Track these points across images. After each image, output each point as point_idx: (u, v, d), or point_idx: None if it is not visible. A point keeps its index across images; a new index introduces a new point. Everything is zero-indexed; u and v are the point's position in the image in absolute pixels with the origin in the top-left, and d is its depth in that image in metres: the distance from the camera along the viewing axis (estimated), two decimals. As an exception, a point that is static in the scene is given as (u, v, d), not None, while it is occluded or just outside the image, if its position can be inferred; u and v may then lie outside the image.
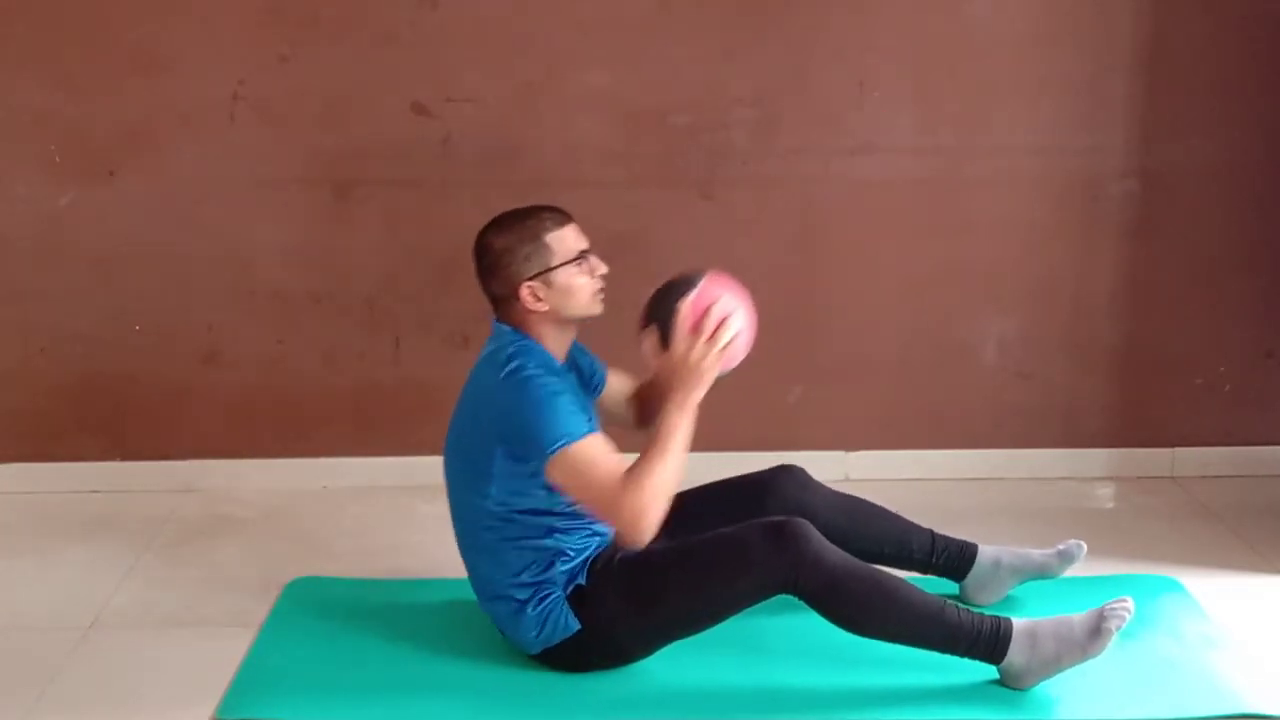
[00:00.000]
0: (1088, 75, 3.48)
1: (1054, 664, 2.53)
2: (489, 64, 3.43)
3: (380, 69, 3.42)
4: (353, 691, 2.62)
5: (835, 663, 2.65)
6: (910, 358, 3.65)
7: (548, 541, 2.60)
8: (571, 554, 2.62)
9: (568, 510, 2.59)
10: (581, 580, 2.63)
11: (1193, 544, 3.29)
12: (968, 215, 3.56)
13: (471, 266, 2.64)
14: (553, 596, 2.60)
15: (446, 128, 3.46)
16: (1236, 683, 2.61)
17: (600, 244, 3.53)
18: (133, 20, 3.38)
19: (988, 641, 2.52)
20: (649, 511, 2.46)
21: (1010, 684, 2.57)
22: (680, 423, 2.52)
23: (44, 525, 3.45)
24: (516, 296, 2.58)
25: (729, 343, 2.53)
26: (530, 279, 2.57)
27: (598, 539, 2.68)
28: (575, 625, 2.59)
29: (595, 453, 2.48)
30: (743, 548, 2.54)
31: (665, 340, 2.54)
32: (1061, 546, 2.88)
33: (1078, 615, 2.55)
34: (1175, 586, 3.02)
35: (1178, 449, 3.72)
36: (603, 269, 2.65)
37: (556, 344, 2.65)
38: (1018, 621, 2.55)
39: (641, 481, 2.46)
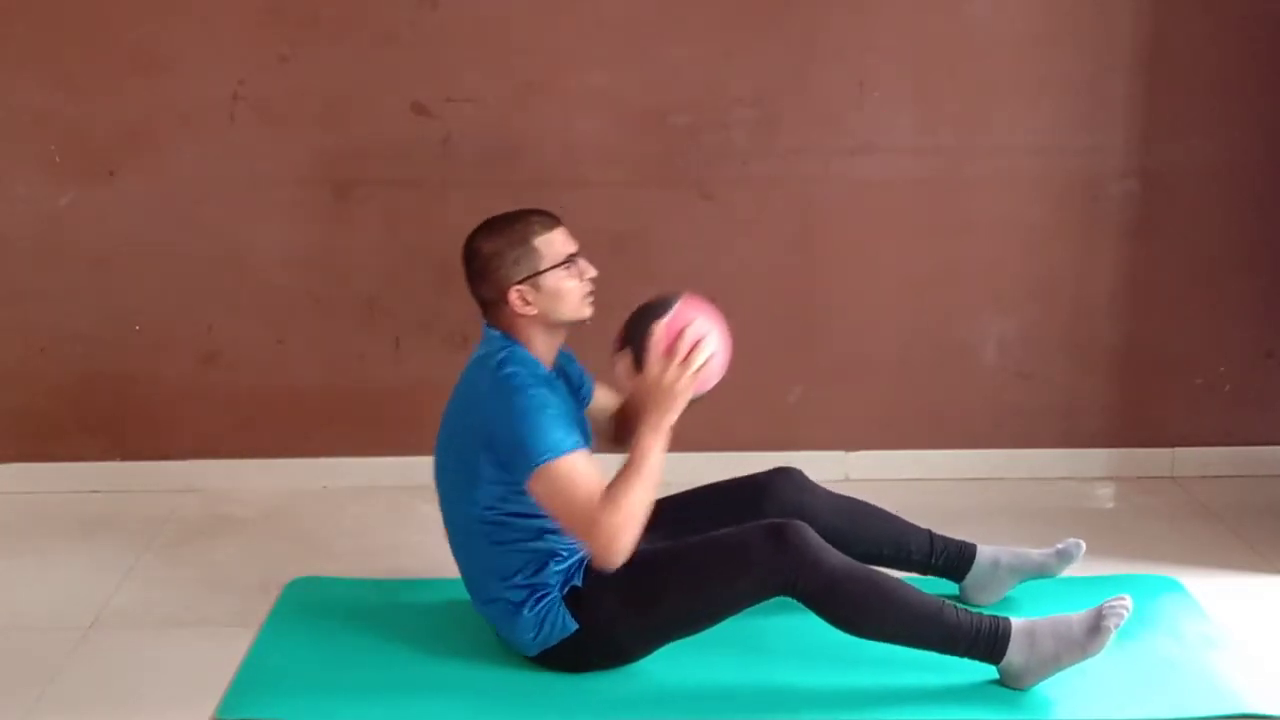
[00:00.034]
0: (1088, 75, 3.48)
1: (1053, 663, 2.53)
2: (489, 64, 3.43)
3: (380, 69, 3.43)
4: (353, 691, 2.62)
5: (835, 663, 2.65)
6: (910, 358, 3.65)
7: (539, 543, 2.59)
8: (564, 554, 2.62)
9: None
10: (577, 581, 2.63)
11: (1193, 544, 3.29)
12: (968, 215, 3.56)
13: (470, 267, 2.65)
14: (549, 598, 2.61)
15: (446, 128, 3.46)
16: (1236, 683, 2.61)
17: (600, 244, 3.53)
18: (133, 20, 3.38)
19: (987, 641, 2.52)
20: (624, 534, 2.47)
21: (1010, 684, 2.57)
22: (654, 445, 2.52)
23: (44, 525, 3.45)
24: (505, 300, 2.58)
25: (702, 365, 2.53)
26: (519, 283, 2.57)
27: None
28: (573, 625, 2.59)
29: (578, 471, 2.48)
30: (742, 549, 2.54)
31: (639, 363, 2.54)
32: (1060, 546, 2.88)
33: (1076, 614, 2.55)
34: (1175, 586, 3.01)
35: (1178, 449, 3.72)
36: (591, 272, 2.65)
37: (545, 348, 2.65)
38: (1016, 621, 2.56)
39: (618, 503, 2.46)
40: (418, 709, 2.57)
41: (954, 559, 2.87)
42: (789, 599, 2.54)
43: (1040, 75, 3.48)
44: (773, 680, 2.64)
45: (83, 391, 3.61)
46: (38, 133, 3.45)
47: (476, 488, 2.57)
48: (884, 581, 2.55)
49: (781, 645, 2.73)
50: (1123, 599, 2.55)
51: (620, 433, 2.82)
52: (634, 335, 2.56)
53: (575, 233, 3.51)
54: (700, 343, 2.53)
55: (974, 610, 2.57)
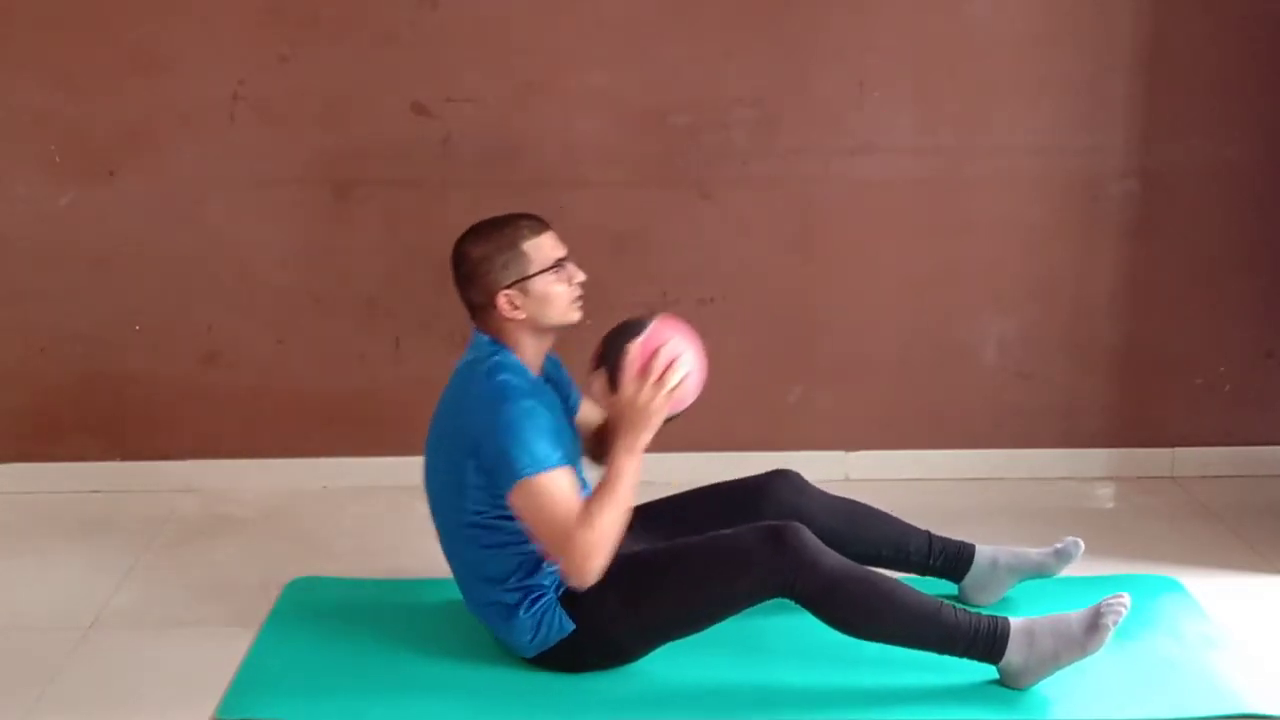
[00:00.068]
0: (1088, 75, 3.48)
1: (1052, 662, 2.53)
2: (489, 64, 3.43)
3: (380, 69, 3.43)
4: (352, 691, 2.62)
5: (835, 663, 2.65)
6: (910, 358, 3.65)
7: (531, 546, 2.59)
8: None
9: None
10: None
11: (1193, 544, 3.29)
12: (968, 215, 3.56)
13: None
14: (545, 599, 2.61)
15: (446, 128, 3.46)
16: (1236, 683, 2.61)
17: (600, 244, 3.55)
18: (133, 20, 3.38)
19: (985, 641, 2.52)
20: (597, 553, 2.48)
21: (1010, 683, 2.57)
22: (629, 465, 2.53)
23: (44, 525, 3.45)
24: (494, 304, 2.58)
25: (677, 385, 2.54)
26: (508, 287, 2.57)
27: None
28: (570, 626, 2.60)
29: (558, 487, 2.49)
30: (740, 551, 2.54)
31: (614, 383, 2.55)
32: (1059, 545, 2.88)
33: (1075, 613, 2.55)
34: (1175, 586, 3.02)
35: (1178, 449, 3.72)
36: (580, 276, 2.65)
37: (534, 352, 2.65)
38: (1015, 620, 2.56)
39: (593, 522, 2.47)
40: (417, 709, 2.57)
41: (952, 559, 2.87)
42: (787, 600, 2.54)
43: (1040, 75, 3.48)
44: (772, 680, 2.64)
45: (83, 391, 3.61)
46: (38, 133, 3.45)
47: (464, 493, 2.58)
48: (882, 582, 2.55)
49: (781, 645, 2.73)
50: (1121, 597, 2.55)
51: (600, 451, 2.80)
52: (609, 356, 2.58)
53: (575, 233, 3.51)
54: (675, 363, 2.55)
55: (973, 610, 2.57)
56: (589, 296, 3.53)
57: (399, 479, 3.57)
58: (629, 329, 2.59)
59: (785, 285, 3.60)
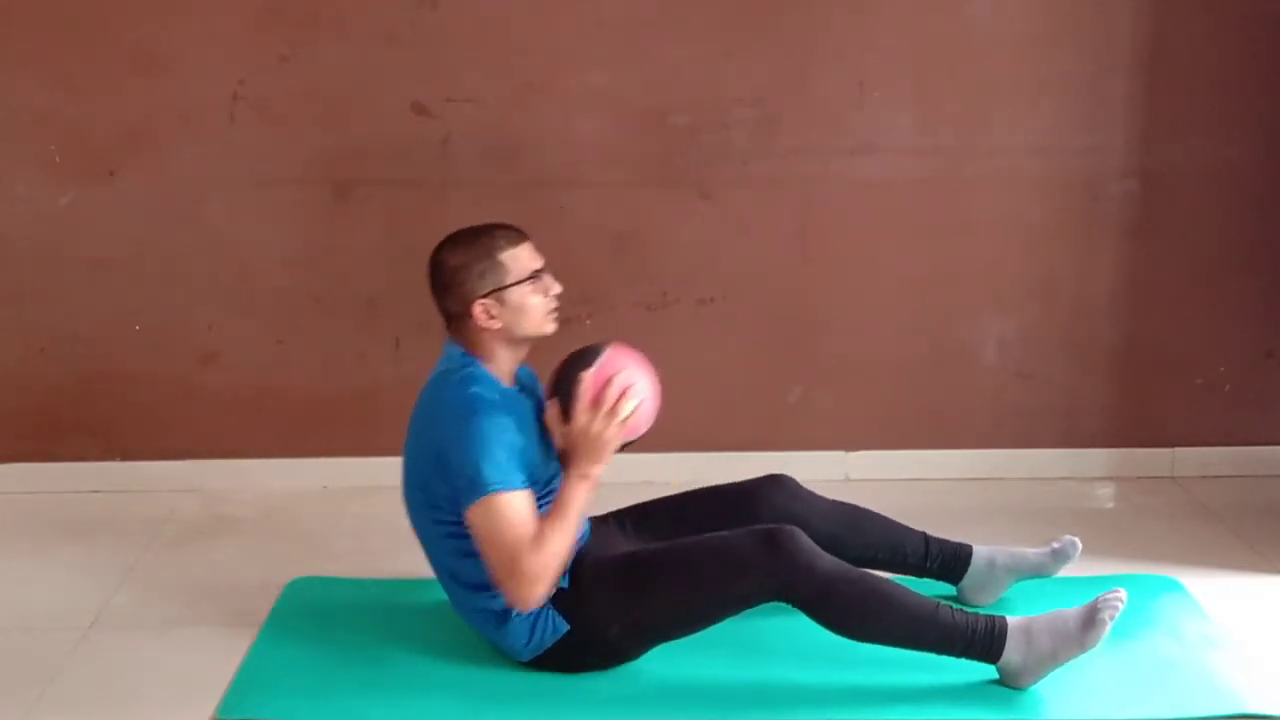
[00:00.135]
0: (1088, 75, 3.48)
1: (1051, 659, 2.53)
2: (489, 64, 3.43)
3: (380, 69, 3.43)
4: (352, 691, 2.62)
5: (834, 663, 2.65)
6: (910, 358, 3.65)
7: None
8: None
9: None
10: (564, 583, 2.63)
11: (1193, 544, 3.29)
12: (968, 215, 3.56)
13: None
14: None
15: (446, 128, 3.46)
16: (1236, 683, 2.61)
17: (600, 244, 3.56)
18: (133, 20, 3.38)
19: (983, 641, 2.52)
20: (544, 579, 2.49)
21: (1009, 683, 2.57)
22: (581, 493, 2.55)
23: (44, 525, 3.45)
24: (470, 314, 2.59)
25: (630, 415, 2.56)
26: (484, 296, 2.57)
27: None
28: (564, 626, 2.60)
29: (515, 509, 2.49)
30: (735, 553, 2.54)
31: (567, 413, 2.57)
32: (1057, 545, 2.87)
33: (1071, 610, 2.55)
34: (1175, 586, 3.02)
35: (1178, 449, 3.72)
36: (556, 288, 2.66)
37: (507, 363, 2.65)
38: (1013, 619, 2.56)
39: (543, 548, 2.48)
40: (417, 709, 2.57)
41: (950, 561, 2.87)
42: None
43: (1040, 75, 3.48)
44: (771, 680, 2.64)
45: (83, 391, 3.61)
46: (38, 133, 3.45)
47: (437, 503, 2.59)
48: (879, 584, 2.55)
49: (780, 645, 2.73)
50: (1117, 592, 2.55)
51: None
52: (562, 385, 2.59)
53: (575, 233, 3.53)
54: (627, 392, 2.56)
55: (970, 611, 2.57)
56: (590, 295, 3.56)
57: (399, 479, 3.56)
58: (582, 358, 2.60)
59: (785, 285, 3.60)
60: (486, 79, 3.44)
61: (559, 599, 2.61)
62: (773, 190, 3.53)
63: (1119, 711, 2.54)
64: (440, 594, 2.93)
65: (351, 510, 3.51)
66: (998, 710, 2.53)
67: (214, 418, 3.64)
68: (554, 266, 3.49)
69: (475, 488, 2.48)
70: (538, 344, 2.68)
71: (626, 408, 2.55)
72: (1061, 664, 2.54)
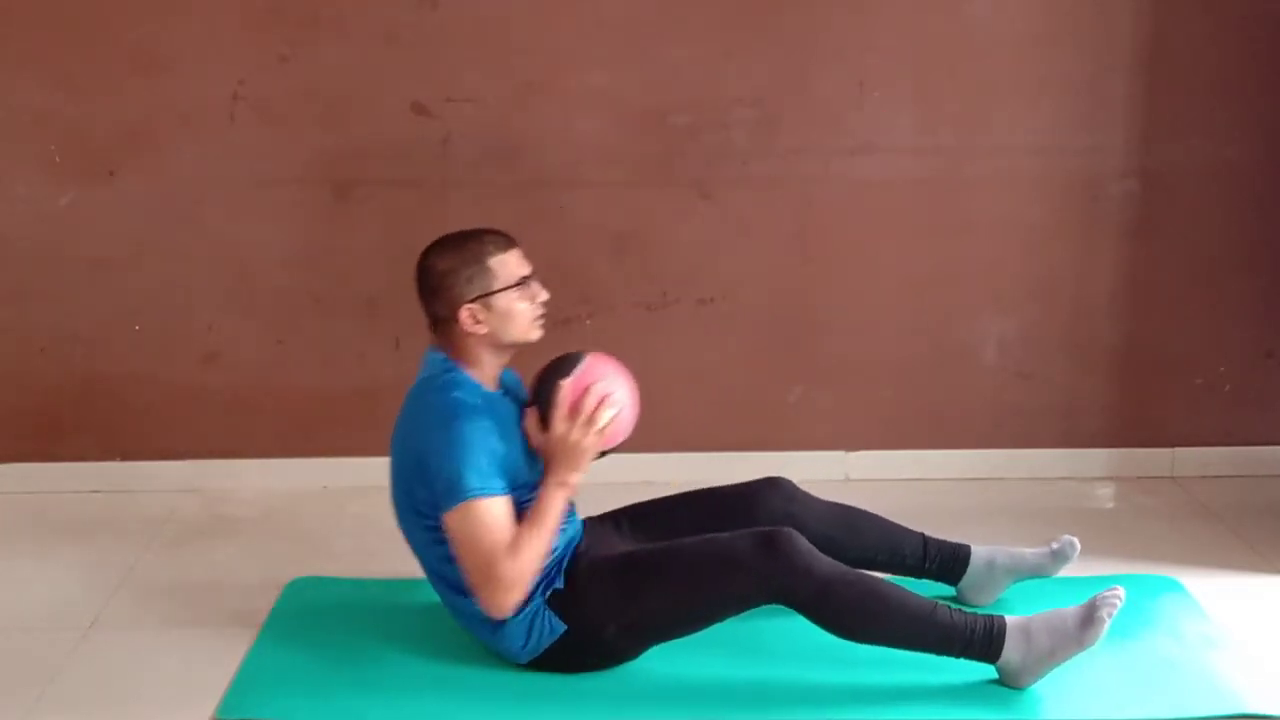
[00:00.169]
0: (1088, 75, 3.48)
1: (1050, 658, 2.53)
2: (489, 64, 3.43)
3: (380, 69, 3.42)
4: (352, 691, 2.62)
5: (833, 663, 2.65)
6: (910, 358, 3.65)
7: None
8: None
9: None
10: (559, 584, 2.63)
11: (1193, 544, 3.29)
12: (968, 215, 3.56)
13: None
14: (532, 603, 2.60)
15: (446, 128, 3.46)
16: (1236, 683, 2.61)
17: (600, 244, 3.56)
18: (133, 20, 3.38)
19: (982, 641, 2.53)
20: (519, 585, 2.50)
21: (1009, 682, 2.57)
22: (559, 501, 2.56)
23: (44, 525, 3.45)
24: (456, 318, 2.59)
25: (608, 423, 2.57)
26: (471, 301, 2.58)
27: (558, 541, 2.67)
28: (561, 627, 2.60)
29: (494, 516, 2.49)
30: (733, 555, 2.54)
31: (545, 421, 2.58)
32: (1055, 545, 2.87)
33: (1070, 608, 2.55)
34: (1175, 586, 3.02)
35: (1178, 449, 3.72)
36: (544, 295, 2.66)
37: (491, 368, 2.66)
38: (1011, 619, 2.56)
39: (519, 555, 2.49)
40: (417, 709, 2.57)
41: (948, 561, 2.87)
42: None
43: (1040, 75, 3.48)
44: (770, 680, 2.64)
45: (83, 391, 3.61)
46: (38, 133, 3.45)
47: (422, 511, 2.59)
48: (876, 586, 2.55)
49: (779, 645, 2.73)
50: (1115, 589, 2.55)
51: None
52: (540, 394, 2.60)
53: (575, 233, 3.54)
54: (605, 400, 2.57)
55: (969, 610, 2.57)
56: (590, 295, 3.56)
57: (397, 480, 3.57)
58: (560, 366, 2.62)
59: (785, 285, 3.60)
60: (486, 79, 3.44)
61: (555, 599, 2.61)
62: (773, 190, 3.53)
63: (1119, 711, 2.54)
64: (440, 594, 2.94)
65: (351, 510, 3.51)
66: (998, 710, 2.53)
67: (214, 418, 3.64)
68: (554, 266, 3.50)
69: (454, 493, 2.49)
70: (525, 347, 2.68)
71: (604, 416, 2.56)
72: (1061, 663, 2.54)
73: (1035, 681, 2.56)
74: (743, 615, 2.62)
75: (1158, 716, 2.52)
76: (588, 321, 3.57)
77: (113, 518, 3.47)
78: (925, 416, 3.69)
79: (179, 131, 3.45)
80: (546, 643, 2.61)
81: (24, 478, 3.63)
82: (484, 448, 2.51)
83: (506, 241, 2.64)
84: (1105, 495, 3.62)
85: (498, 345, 2.63)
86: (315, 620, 2.89)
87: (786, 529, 2.56)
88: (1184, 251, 3.59)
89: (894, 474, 3.68)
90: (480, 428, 2.52)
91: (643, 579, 2.60)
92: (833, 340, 3.64)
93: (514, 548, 2.49)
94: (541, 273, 3.51)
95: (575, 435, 2.55)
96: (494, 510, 2.49)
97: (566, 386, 2.57)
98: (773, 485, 2.84)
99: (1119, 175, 3.54)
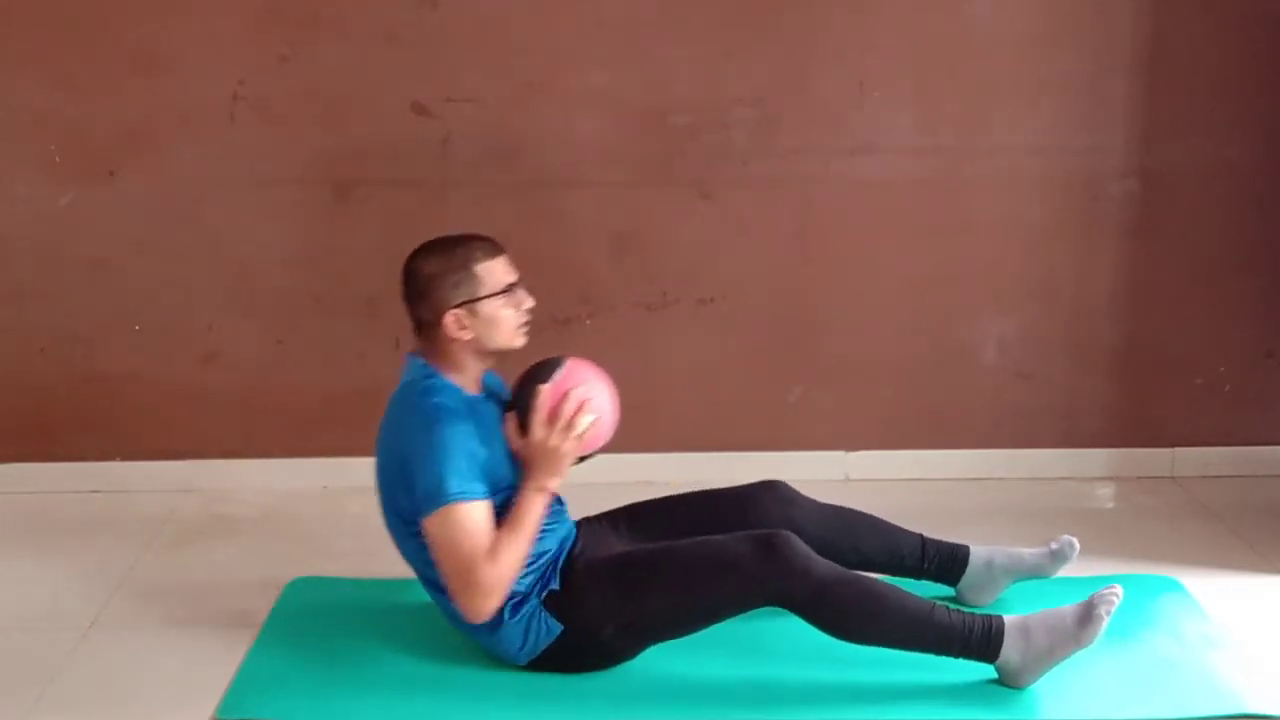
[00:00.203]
0: (1088, 75, 3.48)
1: (1049, 656, 2.53)
2: (489, 64, 3.43)
3: (380, 69, 3.42)
4: (352, 691, 2.62)
5: (834, 663, 2.65)
6: (910, 358, 3.65)
7: None
8: (527, 563, 2.62)
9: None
10: (555, 585, 2.63)
11: (1193, 544, 3.29)
12: (968, 215, 3.56)
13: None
14: (528, 604, 2.61)
15: (446, 128, 3.46)
16: (1236, 683, 2.61)
17: (600, 244, 3.55)
18: (133, 20, 3.38)
19: (980, 641, 2.53)
20: (499, 590, 2.50)
21: (1009, 682, 2.57)
22: (538, 506, 2.56)
23: (44, 525, 3.45)
24: (440, 323, 2.59)
25: (587, 429, 2.57)
26: (456, 306, 2.57)
27: (548, 541, 2.68)
28: (558, 628, 2.60)
29: (474, 520, 2.49)
30: (730, 557, 2.54)
31: (524, 426, 2.58)
32: (1054, 545, 2.87)
33: (1068, 606, 2.56)
34: (1175, 586, 3.02)
35: (1178, 449, 3.72)
36: (529, 303, 2.66)
37: (473, 373, 2.66)
38: (1009, 618, 2.56)
39: (498, 560, 2.49)
40: (418, 709, 2.57)
41: (947, 562, 2.87)
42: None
43: (1040, 75, 3.48)
44: (770, 680, 2.64)
45: (83, 391, 3.61)
46: (38, 133, 3.45)
47: (408, 519, 2.59)
48: (874, 587, 2.55)
49: (779, 645, 2.73)
50: (1113, 588, 2.55)
51: None
52: (520, 399, 2.60)
53: (575, 233, 3.53)
54: (584, 406, 2.56)
55: (967, 610, 2.57)
56: (590, 295, 3.57)
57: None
58: (540, 372, 2.62)
59: (785, 285, 3.60)
60: (486, 79, 3.44)
61: (551, 600, 2.62)
62: (773, 190, 3.53)
63: (1119, 711, 2.54)
64: (440, 594, 2.94)
65: (351, 510, 3.51)
66: (998, 710, 2.53)
67: (214, 418, 3.64)
68: (554, 266, 3.52)
69: (434, 498, 2.48)
70: (509, 353, 2.67)
71: (583, 422, 2.56)
72: (1059, 661, 2.54)
73: (1035, 681, 2.56)
74: (743, 616, 2.62)
75: (1158, 716, 2.52)
76: (588, 321, 3.57)
77: (112, 518, 3.47)
78: (925, 416, 3.69)
79: (179, 131, 3.45)
80: (544, 644, 2.61)
81: (24, 478, 3.63)
82: (464, 452, 2.51)
83: (494, 248, 2.63)
84: (1105, 495, 3.62)
85: (481, 351, 2.63)
86: (315, 620, 2.89)
87: (784, 532, 2.56)
88: (1184, 251, 3.59)
89: (894, 474, 3.68)
90: (460, 432, 2.52)
91: (640, 580, 2.60)
92: (833, 340, 3.64)
93: (493, 553, 2.49)
94: (541, 273, 3.51)
95: (554, 441, 2.55)
96: (474, 515, 2.49)
97: (545, 392, 2.57)
98: (770, 488, 2.84)
99: (1119, 175, 3.54)
